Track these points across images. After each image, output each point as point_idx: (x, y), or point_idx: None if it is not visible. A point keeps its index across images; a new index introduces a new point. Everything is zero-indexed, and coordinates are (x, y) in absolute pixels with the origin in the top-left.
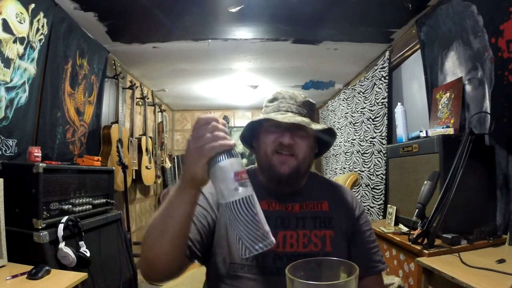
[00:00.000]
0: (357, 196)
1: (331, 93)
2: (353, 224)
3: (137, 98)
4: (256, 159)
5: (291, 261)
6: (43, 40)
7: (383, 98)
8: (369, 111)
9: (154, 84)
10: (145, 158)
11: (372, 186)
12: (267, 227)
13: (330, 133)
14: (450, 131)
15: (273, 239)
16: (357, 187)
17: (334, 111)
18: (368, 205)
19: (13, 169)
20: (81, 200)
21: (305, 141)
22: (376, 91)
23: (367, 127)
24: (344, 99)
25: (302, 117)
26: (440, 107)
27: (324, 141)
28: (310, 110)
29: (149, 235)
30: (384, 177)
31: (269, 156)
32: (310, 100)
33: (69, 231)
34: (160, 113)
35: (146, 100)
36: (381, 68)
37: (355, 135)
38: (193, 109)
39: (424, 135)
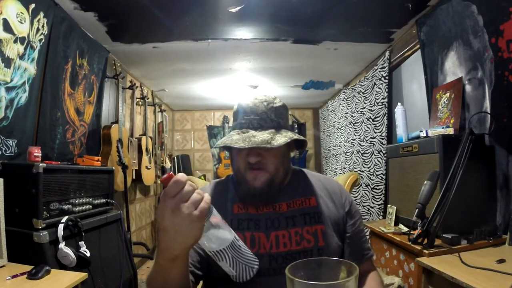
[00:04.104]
0: (356, 196)
1: (331, 93)
2: (343, 215)
3: (137, 98)
4: (233, 172)
5: (286, 261)
6: (43, 40)
7: (383, 98)
8: (369, 111)
9: (154, 84)
10: (145, 158)
11: (372, 186)
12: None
13: (296, 140)
14: (450, 131)
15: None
16: (357, 187)
17: (334, 111)
18: (368, 205)
19: (13, 169)
20: (81, 200)
21: (273, 153)
22: (376, 91)
23: (367, 127)
24: (344, 99)
25: (265, 130)
26: (440, 107)
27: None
28: (277, 115)
29: None
30: (384, 177)
31: (241, 172)
32: (275, 104)
33: (69, 231)
34: (160, 113)
35: (146, 100)
36: (381, 68)
37: (355, 135)
38: (193, 109)
39: (424, 135)
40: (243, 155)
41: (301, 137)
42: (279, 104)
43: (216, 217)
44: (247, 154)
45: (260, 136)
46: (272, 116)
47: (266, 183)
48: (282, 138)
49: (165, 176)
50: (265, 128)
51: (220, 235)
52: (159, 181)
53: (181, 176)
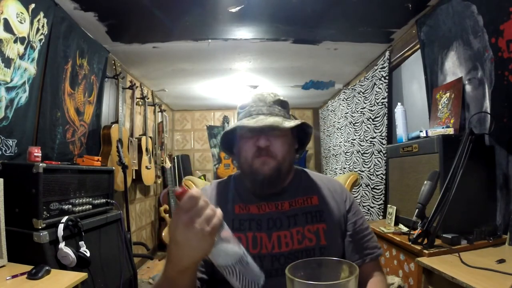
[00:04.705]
0: (356, 196)
1: (331, 93)
2: (345, 214)
3: (137, 98)
4: (238, 165)
5: (289, 260)
6: (43, 40)
7: (383, 98)
8: (369, 111)
9: (154, 84)
10: (145, 158)
11: (372, 186)
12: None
13: (306, 126)
14: (450, 131)
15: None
16: (357, 187)
17: (334, 111)
18: (368, 205)
19: (13, 169)
20: (81, 200)
21: (281, 140)
22: (376, 91)
23: (367, 127)
24: (344, 99)
25: (274, 116)
26: (440, 107)
27: (303, 135)
28: (283, 108)
29: None
30: (384, 177)
31: (249, 161)
32: (281, 98)
33: (69, 231)
34: (160, 113)
35: (146, 100)
36: (381, 68)
37: (355, 135)
38: (193, 109)
39: (424, 135)
40: (253, 141)
41: (309, 124)
42: (284, 100)
43: (226, 232)
44: (257, 139)
45: (272, 118)
46: (279, 107)
47: (274, 170)
48: (291, 122)
49: (180, 190)
50: (273, 115)
51: (229, 250)
52: (159, 181)
53: (195, 191)
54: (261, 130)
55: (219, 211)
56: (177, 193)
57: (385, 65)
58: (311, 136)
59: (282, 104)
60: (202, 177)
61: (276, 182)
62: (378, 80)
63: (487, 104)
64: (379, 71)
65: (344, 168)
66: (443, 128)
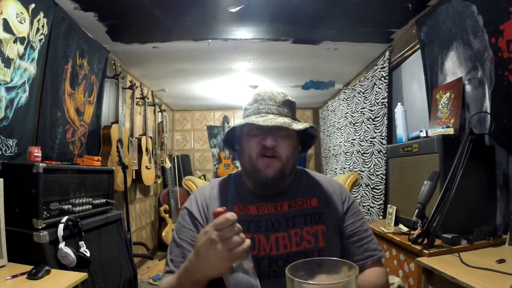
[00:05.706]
0: (356, 196)
1: (331, 93)
2: (343, 215)
3: (137, 98)
4: (240, 163)
5: (287, 262)
6: (43, 40)
7: (383, 98)
8: (369, 111)
9: (154, 84)
10: (145, 158)
11: (372, 186)
12: None
13: (313, 130)
14: (450, 131)
15: None
16: (357, 187)
17: (334, 111)
18: (368, 205)
19: (13, 169)
20: (81, 200)
21: (287, 142)
22: (376, 91)
23: (367, 127)
24: (344, 99)
25: (283, 117)
26: (440, 107)
27: (306, 137)
28: (291, 108)
29: None
30: (384, 177)
31: (253, 160)
32: (290, 98)
33: (69, 231)
34: (160, 113)
35: (146, 100)
36: (381, 68)
37: (355, 135)
38: (193, 109)
39: (424, 135)
40: (258, 140)
41: (316, 128)
42: (292, 100)
43: (249, 263)
44: (263, 138)
45: (281, 119)
46: (288, 108)
47: (278, 171)
48: (300, 125)
49: (219, 209)
50: (282, 115)
51: (244, 282)
52: (159, 181)
53: (231, 215)
54: (269, 130)
55: (247, 242)
56: (216, 212)
57: (385, 65)
58: (315, 139)
59: (291, 105)
60: (202, 177)
61: (279, 183)
62: (378, 80)
63: (487, 104)
64: (379, 71)
65: (344, 168)
66: (443, 128)
